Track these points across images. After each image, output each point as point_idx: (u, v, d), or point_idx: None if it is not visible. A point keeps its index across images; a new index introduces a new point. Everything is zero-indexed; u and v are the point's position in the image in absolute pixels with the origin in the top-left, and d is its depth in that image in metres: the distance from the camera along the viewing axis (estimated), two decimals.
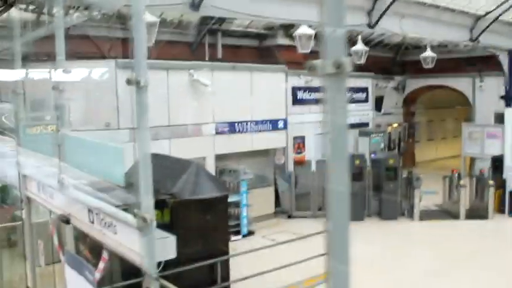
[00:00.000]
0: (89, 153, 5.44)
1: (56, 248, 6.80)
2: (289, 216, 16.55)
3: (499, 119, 19.83)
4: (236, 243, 12.08)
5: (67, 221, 5.64)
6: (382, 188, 16.14)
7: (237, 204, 14.16)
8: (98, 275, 5.20)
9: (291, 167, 17.50)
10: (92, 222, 5.11)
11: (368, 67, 19.42)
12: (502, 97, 16.92)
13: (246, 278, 9.90)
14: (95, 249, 7.12)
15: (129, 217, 4.23)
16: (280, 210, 16.76)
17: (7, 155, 8.43)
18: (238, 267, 10.14)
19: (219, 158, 15.04)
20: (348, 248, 2.33)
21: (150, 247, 3.98)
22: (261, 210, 15.68)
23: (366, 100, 21.99)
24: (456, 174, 16.65)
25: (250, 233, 14.63)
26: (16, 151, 7.71)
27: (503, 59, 16.17)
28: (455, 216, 16.02)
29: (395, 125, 24.12)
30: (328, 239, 2.36)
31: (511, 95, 16.52)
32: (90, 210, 5.14)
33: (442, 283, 10.98)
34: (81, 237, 7.45)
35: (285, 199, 16.84)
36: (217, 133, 14.80)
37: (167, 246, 4.10)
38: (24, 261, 8.20)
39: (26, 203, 7.58)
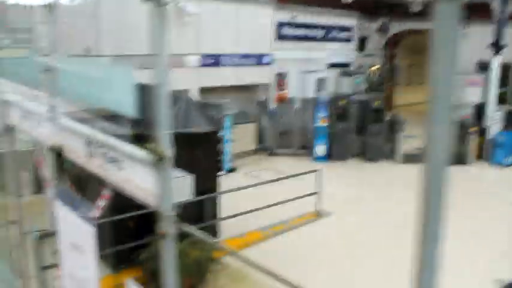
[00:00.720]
0: (85, 80, 4.89)
1: (43, 181, 6.33)
2: (271, 154, 16.32)
3: (481, 67, 19.66)
4: (219, 180, 11.78)
5: (59, 152, 5.15)
6: (366, 129, 15.97)
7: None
8: (97, 212, 4.82)
9: (272, 104, 17.11)
10: (91, 156, 4.65)
11: (354, 6, 18.82)
12: (491, 44, 16.63)
13: (235, 215, 9.70)
14: (81, 183, 6.71)
15: (140, 153, 3.79)
16: (261, 147, 16.50)
17: None
18: (224, 204, 9.90)
19: (202, 91, 14.49)
20: (439, 236, 1.87)
21: (167, 187, 3.57)
22: (242, 146, 15.38)
23: (349, 40, 21.51)
24: None
25: (233, 169, 14.36)
26: None
27: (496, 7, 15.78)
28: None
29: (376, 67, 23.78)
30: (421, 221, 1.86)
31: (500, 43, 16.28)
32: (88, 142, 4.66)
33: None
34: (63, 168, 6.99)
35: (268, 136, 16.55)
36: (201, 65, 14.18)
37: (184, 186, 3.71)
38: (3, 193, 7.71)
39: (7, 131, 6.99)
